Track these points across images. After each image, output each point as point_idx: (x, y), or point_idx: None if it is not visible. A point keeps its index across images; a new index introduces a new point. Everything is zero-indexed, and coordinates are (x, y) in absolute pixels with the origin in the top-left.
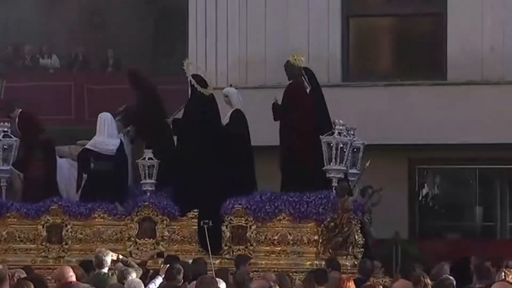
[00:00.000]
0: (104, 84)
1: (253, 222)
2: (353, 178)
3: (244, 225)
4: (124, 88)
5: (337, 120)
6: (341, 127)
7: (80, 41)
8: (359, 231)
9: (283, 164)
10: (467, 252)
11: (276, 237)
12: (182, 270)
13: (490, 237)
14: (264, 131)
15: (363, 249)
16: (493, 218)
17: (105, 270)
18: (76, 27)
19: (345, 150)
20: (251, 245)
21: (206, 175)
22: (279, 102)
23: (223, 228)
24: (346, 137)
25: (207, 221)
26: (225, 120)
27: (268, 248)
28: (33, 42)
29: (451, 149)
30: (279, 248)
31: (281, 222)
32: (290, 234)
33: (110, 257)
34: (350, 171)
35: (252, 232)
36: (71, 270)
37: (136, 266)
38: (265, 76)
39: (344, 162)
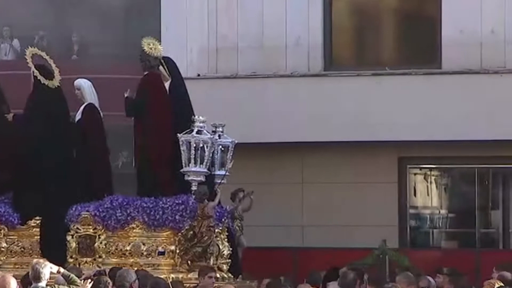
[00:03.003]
0: (68, 74)
1: (102, 231)
2: (222, 181)
3: (93, 234)
4: (90, 78)
5: (197, 117)
6: (201, 124)
7: (43, 25)
8: (225, 240)
9: (138, 165)
10: (465, 263)
11: (128, 248)
12: (111, 283)
13: (491, 245)
14: (236, 126)
15: (229, 260)
16: (494, 225)
17: (43, 284)
18: (39, 7)
19: (206, 150)
20: (100, 256)
21: (50, 178)
22: (132, 96)
23: (69, 238)
24: (207, 135)
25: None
26: (76, 115)
27: (119, 260)
28: None
29: (448, 147)
30: (132, 260)
31: (134, 231)
32: (144, 244)
33: (48, 269)
34: (218, 172)
35: (101, 242)
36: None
37: (79, 281)
38: (238, 65)
39: (204, 163)
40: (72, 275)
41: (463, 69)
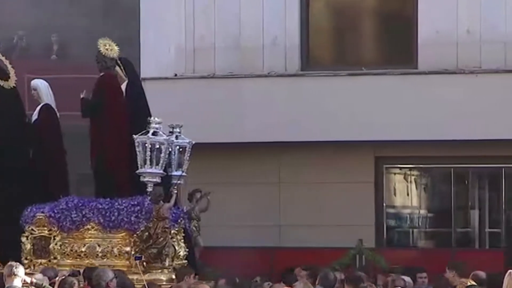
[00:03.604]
0: (47, 74)
1: (57, 232)
2: (179, 182)
3: (48, 235)
4: (70, 78)
5: (152, 118)
6: (157, 126)
7: (22, 24)
8: (181, 240)
9: (95, 166)
10: (441, 263)
11: (83, 249)
12: (76, 284)
13: (467, 245)
14: (213, 126)
15: (186, 261)
16: (470, 224)
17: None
18: (18, 7)
19: (161, 151)
20: (55, 258)
21: (5, 179)
22: (88, 97)
23: (23, 239)
24: (163, 136)
25: (139, 256)
26: (33, 116)
27: (74, 261)
28: None
29: (423, 146)
30: (87, 262)
31: (89, 232)
32: (99, 245)
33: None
34: (175, 173)
35: (56, 244)
36: None
37: None
38: (215, 66)
39: (160, 164)
40: (44, 283)
41: (439, 69)
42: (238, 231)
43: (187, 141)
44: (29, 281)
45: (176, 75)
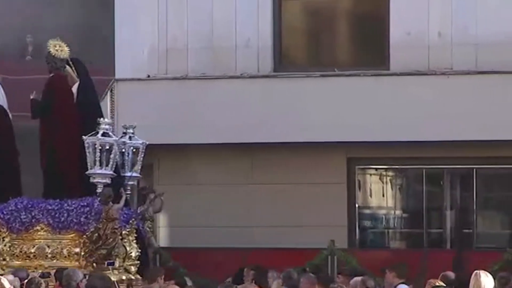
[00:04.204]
0: (22, 74)
1: (6, 233)
2: (132, 182)
3: None
4: (45, 79)
5: (102, 119)
6: (106, 127)
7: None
8: (133, 241)
9: (44, 167)
10: (412, 263)
11: (32, 250)
12: (43, 284)
13: (439, 246)
14: (186, 127)
15: (138, 262)
16: (442, 225)
17: None
18: None
19: (111, 152)
20: (4, 259)
21: None
22: (38, 97)
23: None
24: (113, 137)
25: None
26: None
27: (23, 262)
28: None
29: (395, 148)
30: (36, 263)
31: (39, 233)
32: (48, 246)
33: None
34: (129, 174)
35: (5, 245)
36: None
37: None
38: (187, 66)
39: (110, 165)
40: None
41: (411, 71)
42: (211, 232)
43: (140, 142)
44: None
45: (149, 76)
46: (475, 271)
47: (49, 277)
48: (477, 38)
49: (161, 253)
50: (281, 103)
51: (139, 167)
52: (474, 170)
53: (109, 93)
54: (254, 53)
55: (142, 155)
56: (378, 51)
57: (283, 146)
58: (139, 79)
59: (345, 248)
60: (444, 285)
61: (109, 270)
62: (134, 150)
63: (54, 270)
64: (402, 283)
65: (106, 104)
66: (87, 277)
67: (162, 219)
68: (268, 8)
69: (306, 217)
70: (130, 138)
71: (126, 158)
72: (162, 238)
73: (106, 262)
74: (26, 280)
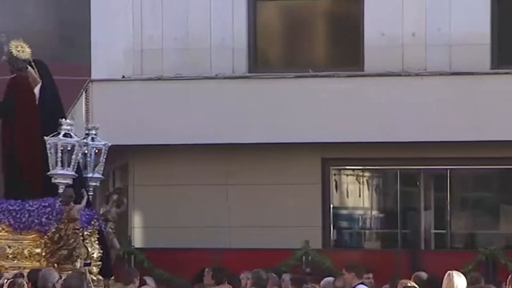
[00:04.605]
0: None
1: None
2: (94, 183)
3: None
4: None
5: (64, 120)
6: (68, 127)
7: None
8: (95, 242)
9: (6, 168)
10: (386, 264)
11: None
12: (25, 285)
13: (412, 246)
14: (161, 128)
15: (100, 263)
16: (416, 226)
17: None
18: None
19: (73, 152)
20: None
21: None
22: None
23: None
24: (74, 138)
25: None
26: None
27: None
28: None
29: (370, 148)
30: None
31: (0, 233)
32: (9, 247)
33: None
34: (91, 175)
35: None
36: None
37: None
38: (162, 67)
39: (72, 166)
40: None
41: (385, 72)
42: (187, 232)
43: (103, 143)
44: None
45: (123, 76)
46: (448, 272)
47: (22, 278)
48: (451, 39)
49: (135, 254)
50: (256, 104)
51: (102, 168)
52: (448, 171)
53: (84, 93)
54: (229, 54)
55: (105, 156)
56: (353, 52)
57: (259, 147)
58: (114, 80)
59: (319, 248)
60: (416, 285)
61: (70, 271)
62: (96, 151)
63: (27, 271)
64: (361, 283)
65: (81, 105)
66: (62, 277)
67: (136, 220)
68: (243, 9)
69: (281, 218)
70: (92, 139)
71: (89, 159)
72: (137, 239)
73: (83, 263)
74: (0, 281)
